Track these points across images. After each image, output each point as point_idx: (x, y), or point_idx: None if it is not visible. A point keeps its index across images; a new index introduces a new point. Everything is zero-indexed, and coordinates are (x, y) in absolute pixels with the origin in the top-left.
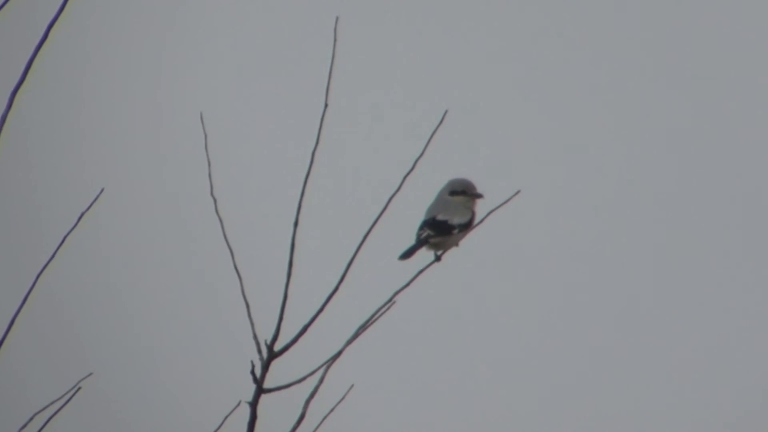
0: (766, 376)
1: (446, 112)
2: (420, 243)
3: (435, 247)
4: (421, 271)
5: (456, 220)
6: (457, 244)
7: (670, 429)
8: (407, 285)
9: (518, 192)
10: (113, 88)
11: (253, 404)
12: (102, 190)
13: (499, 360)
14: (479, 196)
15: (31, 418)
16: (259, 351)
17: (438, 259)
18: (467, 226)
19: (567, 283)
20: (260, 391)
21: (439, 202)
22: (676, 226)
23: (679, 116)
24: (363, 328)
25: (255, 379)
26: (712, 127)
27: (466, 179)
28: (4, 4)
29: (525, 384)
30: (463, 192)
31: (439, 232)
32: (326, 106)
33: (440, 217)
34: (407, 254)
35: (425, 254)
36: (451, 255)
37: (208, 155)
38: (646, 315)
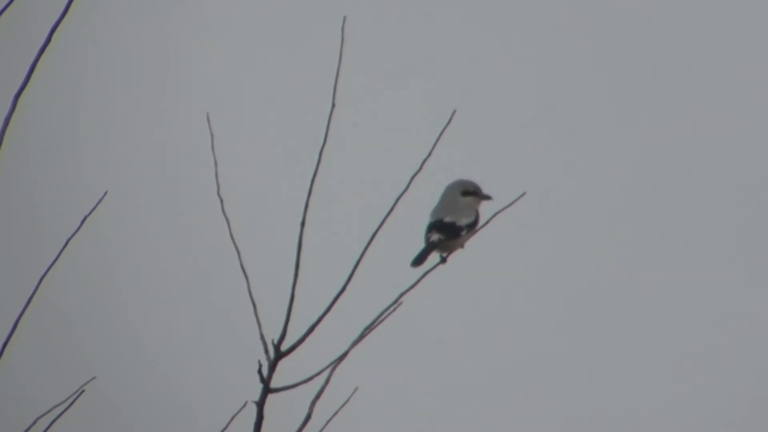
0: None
1: (454, 112)
2: (430, 247)
3: (441, 249)
4: (426, 273)
5: (463, 221)
6: (462, 246)
7: (671, 429)
8: (413, 286)
9: (524, 194)
10: (117, 90)
11: (260, 404)
12: (106, 193)
13: (504, 362)
14: (488, 197)
15: (35, 422)
16: (266, 351)
17: (443, 260)
18: (473, 227)
19: (572, 286)
20: (267, 390)
21: (445, 203)
22: (683, 228)
23: (687, 116)
24: (369, 329)
25: (262, 379)
26: (721, 127)
27: (474, 181)
28: (6, 6)
29: (530, 386)
30: (474, 193)
31: (448, 234)
32: (334, 106)
33: (448, 219)
34: (419, 260)
35: (431, 256)
36: (456, 257)
37: (214, 155)
38: (651, 317)
